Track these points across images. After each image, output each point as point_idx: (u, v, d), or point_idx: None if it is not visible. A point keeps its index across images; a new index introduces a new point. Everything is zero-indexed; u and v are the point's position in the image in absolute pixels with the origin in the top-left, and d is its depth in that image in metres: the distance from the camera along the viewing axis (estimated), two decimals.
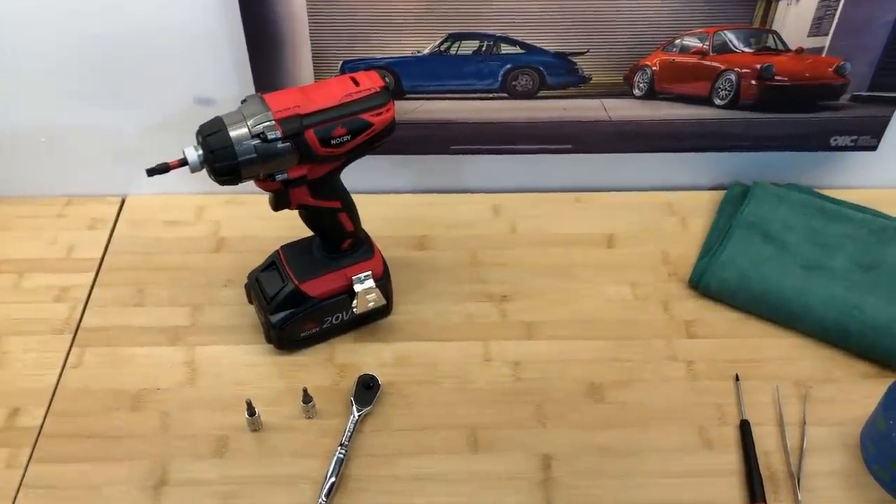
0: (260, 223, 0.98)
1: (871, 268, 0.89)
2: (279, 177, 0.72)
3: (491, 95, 0.90)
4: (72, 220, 1.00)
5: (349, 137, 0.72)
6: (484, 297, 0.92)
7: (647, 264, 0.95)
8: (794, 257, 0.91)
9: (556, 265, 0.95)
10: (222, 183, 0.71)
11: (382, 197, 1.02)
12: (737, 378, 0.83)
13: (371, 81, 0.73)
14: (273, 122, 0.69)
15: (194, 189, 1.01)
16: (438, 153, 0.95)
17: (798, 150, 0.96)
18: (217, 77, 0.91)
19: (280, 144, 0.70)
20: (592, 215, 1.01)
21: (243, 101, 0.71)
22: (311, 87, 0.73)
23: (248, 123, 0.69)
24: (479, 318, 0.90)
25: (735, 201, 1.00)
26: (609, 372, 0.84)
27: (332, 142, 0.72)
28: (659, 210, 1.02)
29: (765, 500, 0.73)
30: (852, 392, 0.82)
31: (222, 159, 0.69)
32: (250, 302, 0.87)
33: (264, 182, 0.73)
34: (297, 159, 0.71)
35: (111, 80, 0.92)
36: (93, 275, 0.93)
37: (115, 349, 0.86)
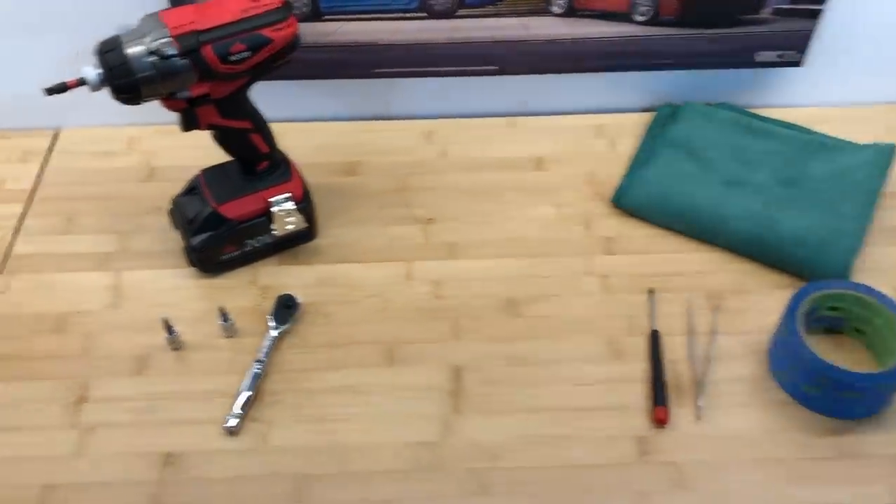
0: (192, 153, 0.96)
1: (791, 183, 0.90)
2: (181, 95, 0.72)
3: (410, 15, 0.89)
4: (3, 153, 1.00)
5: (249, 54, 0.72)
6: (410, 221, 0.93)
7: (573, 185, 0.96)
8: (716, 174, 0.91)
9: (484, 188, 0.96)
10: (124, 101, 0.71)
11: (316, 125, 1.03)
12: (650, 291, 0.84)
13: None
14: (170, 38, 0.69)
15: (127, 121, 1.01)
16: (361, 77, 0.95)
17: (723, 67, 0.95)
18: (140, 3, 0.91)
19: (178, 61, 0.70)
20: (523, 139, 1.02)
21: (141, 19, 0.72)
22: (208, 4, 0.73)
23: (145, 40, 0.69)
24: (404, 241, 0.91)
25: (664, 122, 1.00)
26: (527, 288, 0.85)
27: (232, 58, 0.72)
28: (589, 132, 1.02)
29: (665, 404, 0.74)
30: (764, 302, 0.83)
31: (120, 76, 0.69)
32: (175, 227, 0.88)
33: (168, 101, 0.74)
34: (196, 76, 0.72)
35: (38, 10, 0.91)
36: (23, 205, 0.94)
37: (41, 275, 0.87)
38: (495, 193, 0.95)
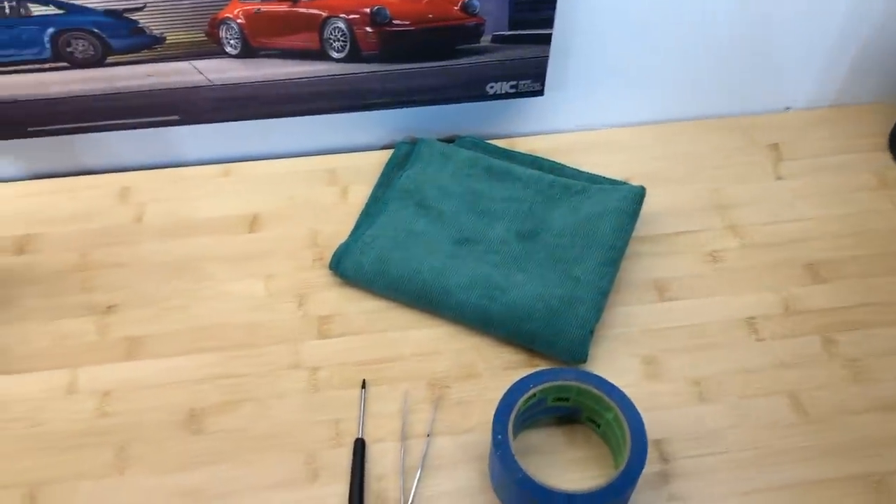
0: None
1: (530, 236, 0.78)
2: None
3: (53, 66, 0.72)
4: None
5: None
6: (85, 310, 0.76)
7: (291, 249, 0.81)
8: (448, 230, 0.79)
9: (184, 260, 0.80)
10: None
11: None
12: (363, 385, 0.71)
13: None
14: None
15: None
16: (14, 137, 0.77)
17: (453, 103, 0.82)
18: None
19: None
20: (240, 192, 0.86)
21: None
22: None
23: None
24: (73, 339, 0.74)
25: (401, 163, 0.86)
26: (215, 393, 0.71)
27: None
28: (319, 178, 0.87)
29: None
30: (493, 389, 0.71)
31: None
32: None
33: None
34: None
35: None
36: None
37: None
38: (197, 265, 0.80)
